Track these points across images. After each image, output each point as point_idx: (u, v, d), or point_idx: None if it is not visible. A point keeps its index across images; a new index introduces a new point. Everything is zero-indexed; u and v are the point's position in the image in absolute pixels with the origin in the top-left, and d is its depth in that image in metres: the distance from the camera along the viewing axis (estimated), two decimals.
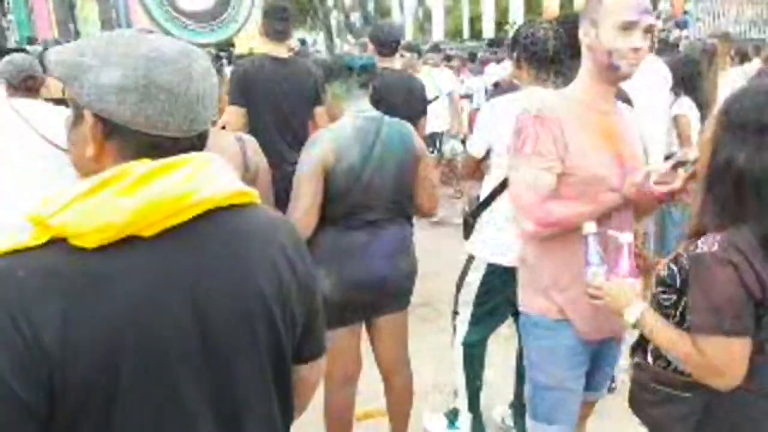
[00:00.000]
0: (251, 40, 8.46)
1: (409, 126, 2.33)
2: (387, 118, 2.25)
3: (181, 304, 0.88)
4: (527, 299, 1.91)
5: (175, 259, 0.89)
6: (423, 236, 3.02)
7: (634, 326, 1.55)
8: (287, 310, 1.00)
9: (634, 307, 1.53)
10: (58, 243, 0.83)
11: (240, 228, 0.97)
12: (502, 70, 6.74)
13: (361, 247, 2.21)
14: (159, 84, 0.88)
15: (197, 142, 0.96)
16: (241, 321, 0.94)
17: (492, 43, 7.25)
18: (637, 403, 1.65)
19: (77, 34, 13.69)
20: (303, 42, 12.80)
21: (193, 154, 0.92)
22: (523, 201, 1.74)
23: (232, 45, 6.83)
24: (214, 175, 0.92)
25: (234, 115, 3.26)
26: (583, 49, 1.74)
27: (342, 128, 2.19)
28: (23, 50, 3.80)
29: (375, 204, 2.20)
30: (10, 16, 14.76)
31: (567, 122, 1.71)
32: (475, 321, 2.60)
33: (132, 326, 0.84)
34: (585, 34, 1.72)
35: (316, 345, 1.14)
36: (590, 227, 1.64)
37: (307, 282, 1.05)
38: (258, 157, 2.14)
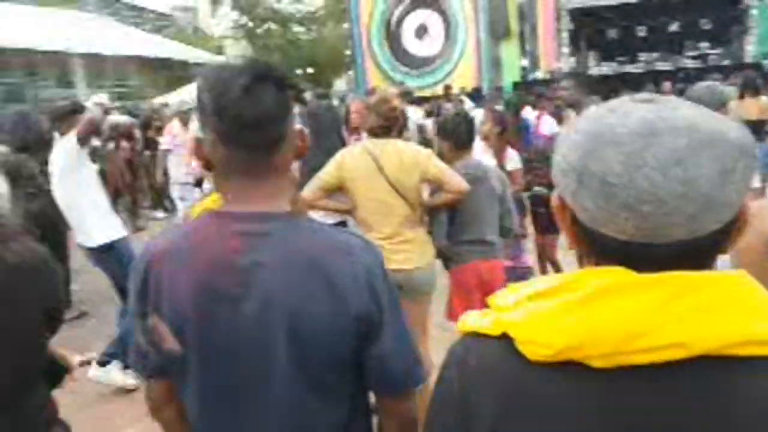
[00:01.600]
0: None
1: None
2: None
3: None
4: None
5: (627, 413, 0.69)
6: None
7: None
8: None
9: None
10: (510, 339, 0.75)
11: (737, 399, 0.67)
12: None
13: None
14: (592, 169, 0.69)
15: (687, 252, 0.69)
16: None
17: None
18: None
19: None
20: None
21: (674, 274, 0.68)
22: None
23: None
24: (706, 310, 0.67)
25: None
26: None
27: None
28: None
29: None
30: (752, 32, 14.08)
31: None
32: None
33: None
34: None
35: None
36: None
37: None
38: None
